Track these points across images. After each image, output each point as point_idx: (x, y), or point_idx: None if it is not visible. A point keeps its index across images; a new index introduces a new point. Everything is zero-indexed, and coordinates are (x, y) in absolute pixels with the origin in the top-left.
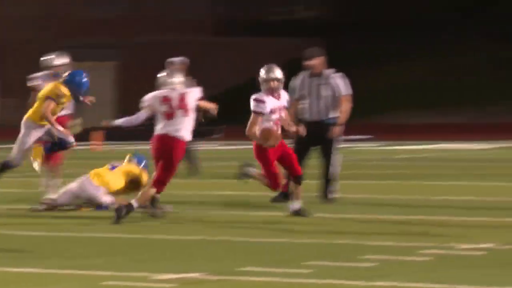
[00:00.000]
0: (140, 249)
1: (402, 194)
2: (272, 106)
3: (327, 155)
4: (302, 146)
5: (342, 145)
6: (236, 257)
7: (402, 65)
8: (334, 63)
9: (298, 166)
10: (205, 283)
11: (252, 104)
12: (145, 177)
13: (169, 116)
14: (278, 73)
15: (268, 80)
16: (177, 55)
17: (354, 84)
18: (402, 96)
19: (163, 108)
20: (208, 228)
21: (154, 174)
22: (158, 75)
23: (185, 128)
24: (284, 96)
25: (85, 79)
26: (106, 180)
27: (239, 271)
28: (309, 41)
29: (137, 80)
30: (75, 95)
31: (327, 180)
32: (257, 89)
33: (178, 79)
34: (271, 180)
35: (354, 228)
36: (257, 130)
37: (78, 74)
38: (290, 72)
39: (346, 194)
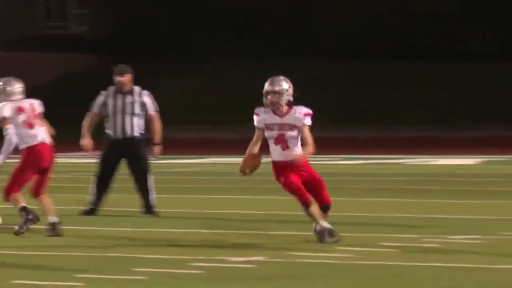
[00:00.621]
0: None
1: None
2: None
3: (141, 170)
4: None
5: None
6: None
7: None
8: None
9: (327, 195)
10: None
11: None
12: None
13: (30, 125)
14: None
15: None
16: None
17: None
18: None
19: (21, 118)
20: None
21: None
22: None
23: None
24: None
25: None
26: None
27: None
28: (82, 56)
29: None
30: None
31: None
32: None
33: (19, 88)
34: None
35: (125, 241)
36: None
37: None
38: (63, 83)
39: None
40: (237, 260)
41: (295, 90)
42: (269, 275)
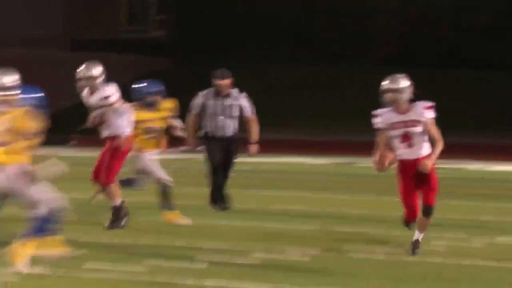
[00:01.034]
0: None
1: None
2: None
3: (229, 167)
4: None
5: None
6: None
7: None
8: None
9: (433, 197)
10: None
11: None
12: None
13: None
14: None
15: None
16: (29, 70)
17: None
18: None
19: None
20: None
21: None
22: None
23: None
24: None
25: None
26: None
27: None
28: (157, 59)
29: None
30: None
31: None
32: None
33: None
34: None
35: (190, 231)
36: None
37: None
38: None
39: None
40: (293, 252)
41: (353, 98)
42: (322, 268)
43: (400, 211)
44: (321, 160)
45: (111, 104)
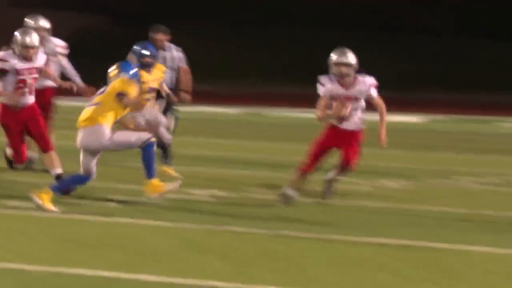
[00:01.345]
0: None
1: None
2: None
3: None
4: None
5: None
6: None
7: None
8: None
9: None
10: None
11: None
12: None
13: None
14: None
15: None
16: None
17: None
18: None
19: None
20: None
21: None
22: None
23: None
24: None
25: None
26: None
27: None
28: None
29: None
30: None
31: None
32: None
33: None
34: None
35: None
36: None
37: None
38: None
39: None
40: (200, 193)
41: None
42: (224, 208)
43: (300, 157)
44: (233, 110)
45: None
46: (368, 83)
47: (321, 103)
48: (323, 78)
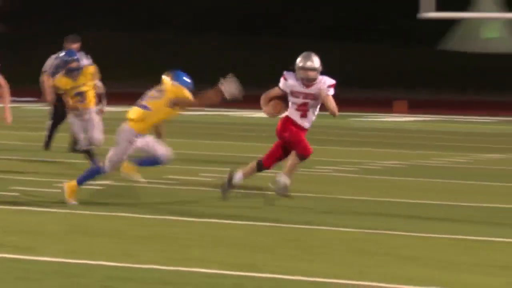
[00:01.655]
0: None
1: None
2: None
3: None
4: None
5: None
6: None
7: None
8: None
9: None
10: None
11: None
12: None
13: None
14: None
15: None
16: None
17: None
18: None
19: None
20: None
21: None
22: None
23: None
24: None
25: None
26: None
27: None
28: None
29: None
30: None
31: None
32: None
33: None
34: None
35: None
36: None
37: None
38: None
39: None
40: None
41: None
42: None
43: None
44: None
45: None
46: (328, 83)
47: (271, 92)
48: (288, 74)
